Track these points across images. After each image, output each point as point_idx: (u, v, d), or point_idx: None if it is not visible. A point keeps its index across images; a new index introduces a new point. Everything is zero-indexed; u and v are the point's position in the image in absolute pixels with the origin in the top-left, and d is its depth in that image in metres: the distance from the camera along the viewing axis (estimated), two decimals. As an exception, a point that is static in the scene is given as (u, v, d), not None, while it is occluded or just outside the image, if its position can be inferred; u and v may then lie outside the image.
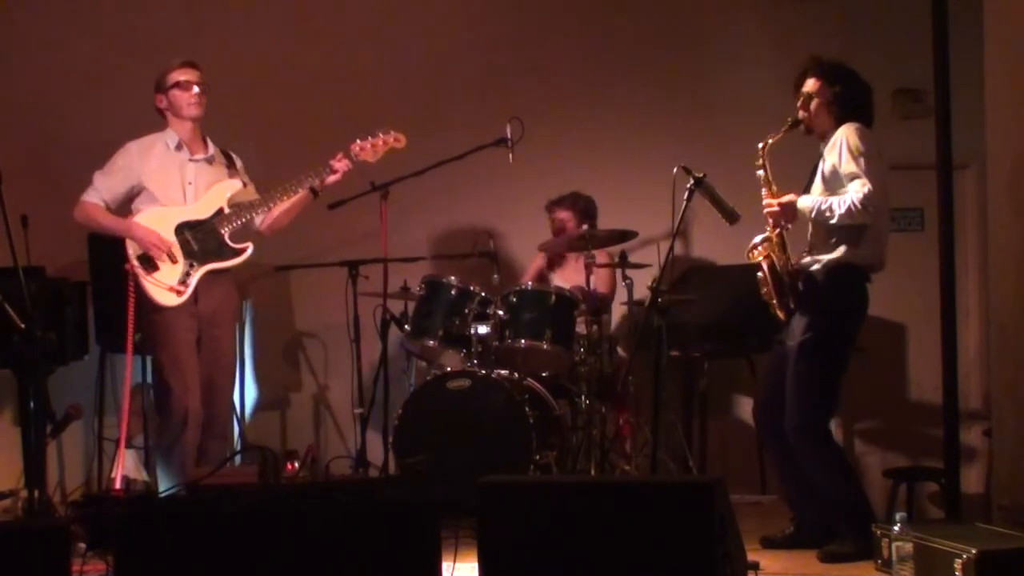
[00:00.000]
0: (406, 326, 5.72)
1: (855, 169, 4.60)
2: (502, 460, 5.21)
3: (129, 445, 5.80)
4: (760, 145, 4.77)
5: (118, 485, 5.20)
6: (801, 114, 4.80)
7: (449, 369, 5.63)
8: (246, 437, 6.24)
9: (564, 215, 6.21)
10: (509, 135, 5.49)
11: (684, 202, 4.87)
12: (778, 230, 4.73)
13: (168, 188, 5.14)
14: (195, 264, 5.09)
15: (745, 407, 6.72)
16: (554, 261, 6.37)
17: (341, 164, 5.21)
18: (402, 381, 6.02)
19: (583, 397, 5.64)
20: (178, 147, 5.18)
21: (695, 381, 6.52)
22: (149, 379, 5.32)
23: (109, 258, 5.23)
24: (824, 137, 4.79)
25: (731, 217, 4.92)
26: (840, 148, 4.64)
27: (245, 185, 5.29)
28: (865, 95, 4.81)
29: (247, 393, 6.53)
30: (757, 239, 4.75)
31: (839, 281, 4.71)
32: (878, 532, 4.38)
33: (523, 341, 5.60)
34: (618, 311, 6.40)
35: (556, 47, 6.83)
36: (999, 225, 5.14)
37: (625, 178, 6.61)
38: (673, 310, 5.59)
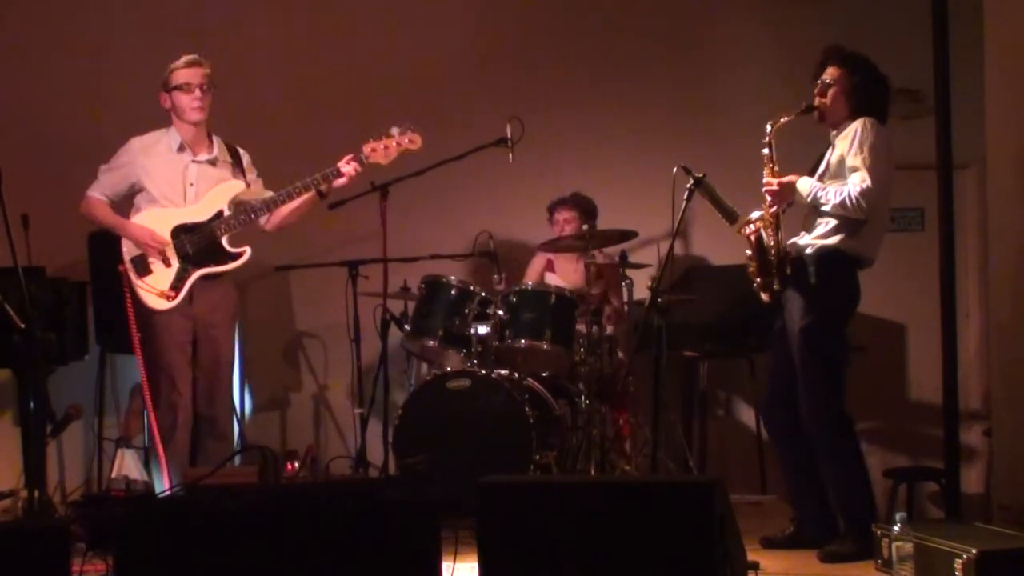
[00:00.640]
0: (406, 326, 5.72)
1: (859, 163, 4.61)
2: (502, 460, 5.21)
3: (129, 445, 5.81)
4: (770, 124, 4.76)
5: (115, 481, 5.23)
6: (817, 100, 4.80)
7: (449, 369, 5.63)
8: (246, 437, 6.24)
9: (567, 215, 6.21)
10: (509, 135, 5.48)
11: (684, 202, 4.87)
12: (774, 209, 4.73)
13: (168, 189, 5.13)
14: (189, 268, 5.07)
15: (745, 407, 6.73)
16: (555, 262, 6.37)
17: (349, 167, 5.12)
18: (402, 381, 6.02)
19: (583, 397, 5.64)
20: (180, 148, 5.16)
21: (695, 381, 6.52)
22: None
23: (109, 258, 5.23)
24: (837, 126, 4.79)
25: (731, 217, 4.92)
26: (852, 140, 4.65)
27: (249, 186, 5.26)
28: (883, 88, 4.81)
29: (247, 393, 6.53)
30: (752, 215, 4.76)
31: (829, 267, 4.71)
32: (878, 532, 4.38)
33: (523, 341, 5.60)
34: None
35: (556, 47, 6.83)
36: (999, 225, 5.15)
37: (625, 178, 6.61)
38: (673, 310, 5.59)
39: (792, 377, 4.76)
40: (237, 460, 5.30)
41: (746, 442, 6.60)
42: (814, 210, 4.73)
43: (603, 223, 6.17)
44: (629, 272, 5.79)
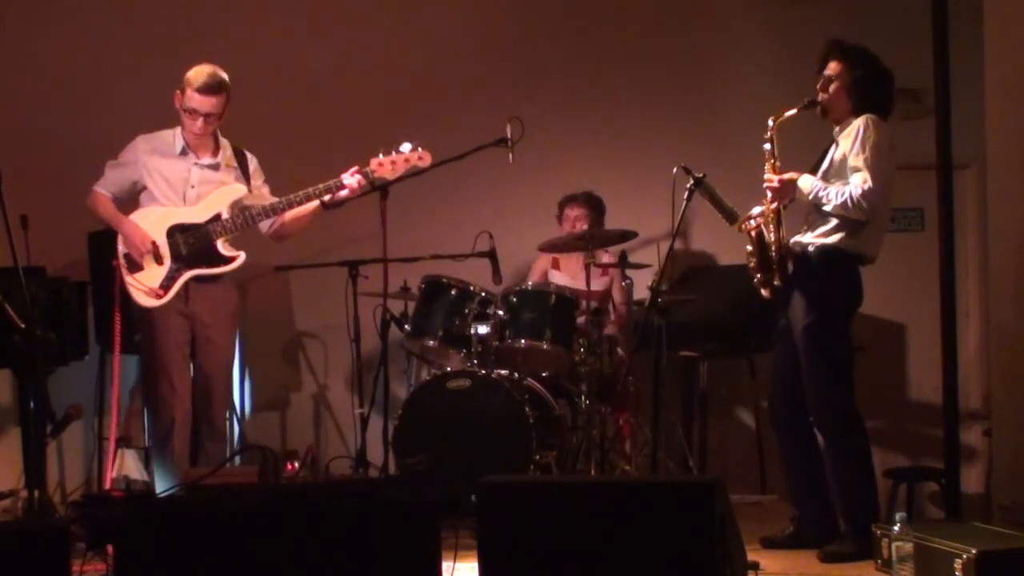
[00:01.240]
0: (406, 326, 5.72)
1: (861, 163, 4.61)
2: (502, 460, 5.21)
3: (129, 445, 5.80)
4: (772, 119, 4.76)
5: (109, 485, 5.22)
6: (820, 95, 4.79)
7: (449, 369, 5.63)
8: (246, 437, 6.24)
9: (578, 212, 6.20)
10: (509, 135, 5.48)
11: (684, 202, 4.88)
12: (775, 205, 4.73)
13: (170, 189, 5.13)
14: (181, 268, 5.07)
15: (745, 407, 6.73)
16: (560, 259, 6.35)
17: (353, 180, 5.11)
18: (402, 381, 6.02)
19: (583, 397, 5.64)
20: (183, 152, 5.16)
21: (695, 381, 6.51)
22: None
23: (109, 258, 5.23)
24: (840, 122, 4.79)
25: (731, 217, 4.92)
26: (855, 138, 4.64)
27: (251, 191, 5.25)
28: (886, 83, 4.81)
29: (247, 393, 6.53)
30: (754, 211, 4.75)
31: (831, 265, 4.71)
32: (878, 532, 4.38)
33: (523, 341, 5.60)
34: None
35: (556, 47, 6.83)
36: (999, 225, 5.15)
37: (625, 178, 6.61)
38: (673, 310, 5.59)
39: (797, 375, 4.76)
40: (237, 460, 5.31)
41: (746, 442, 6.60)
42: (816, 208, 4.73)
43: (604, 219, 6.17)
44: (629, 272, 5.80)
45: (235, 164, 5.26)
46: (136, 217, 5.13)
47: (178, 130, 5.20)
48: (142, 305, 5.05)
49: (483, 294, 5.70)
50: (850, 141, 4.67)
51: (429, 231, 6.44)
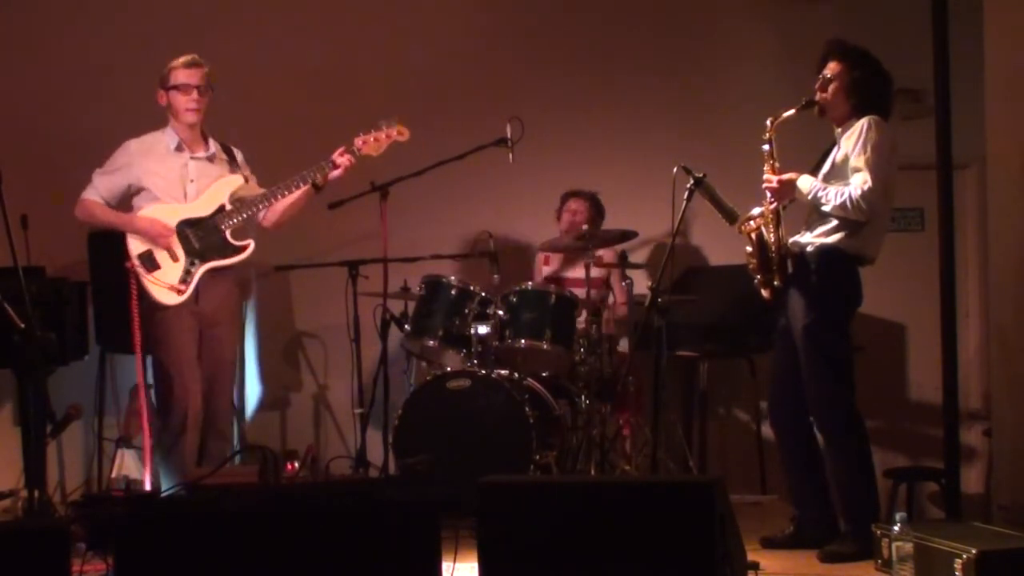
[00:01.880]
0: (406, 326, 5.72)
1: (861, 164, 4.61)
2: (502, 460, 5.21)
3: (129, 445, 5.81)
4: (770, 119, 4.76)
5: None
6: (818, 96, 4.79)
7: (449, 369, 5.63)
8: (246, 437, 6.24)
9: (578, 205, 6.20)
10: (509, 135, 5.49)
11: (684, 202, 4.87)
12: (774, 206, 4.73)
13: (169, 186, 5.13)
14: (196, 262, 5.07)
15: (745, 407, 6.73)
16: (551, 256, 6.35)
17: (343, 159, 5.17)
18: (402, 381, 6.02)
19: (583, 397, 5.64)
20: (178, 148, 5.17)
21: (695, 381, 6.52)
22: (149, 378, 5.30)
23: (109, 258, 5.23)
24: (840, 122, 4.78)
25: (731, 217, 4.92)
26: (857, 139, 4.64)
27: (247, 180, 5.28)
28: (885, 84, 4.80)
29: (247, 393, 6.53)
30: (753, 211, 4.76)
31: (831, 266, 4.71)
32: (878, 532, 4.38)
33: (523, 341, 5.60)
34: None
35: (556, 47, 6.83)
36: (999, 225, 5.15)
37: (625, 178, 6.60)
38: (673, 310, 5.59)
39: (797, 375, 4.76)
40: (237, 460, 5.31)
41: (746, 442, 6.60)
42: (815, 208, 4.73)
43: (603, 223, 6.17)
44: (629, 272, 5.80)
45: (225, 157, 5.27)
46: (142, 215, 5.12)
47: (167, 129, 5.19)
48: (163, 303, 5.03)
49: (483, 294, 5.70)
50: (852, 142, 4.66)
51: (429, 231, 6.44)
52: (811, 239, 4.76)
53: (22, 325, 4.43)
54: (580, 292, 5.72)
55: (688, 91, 6.85)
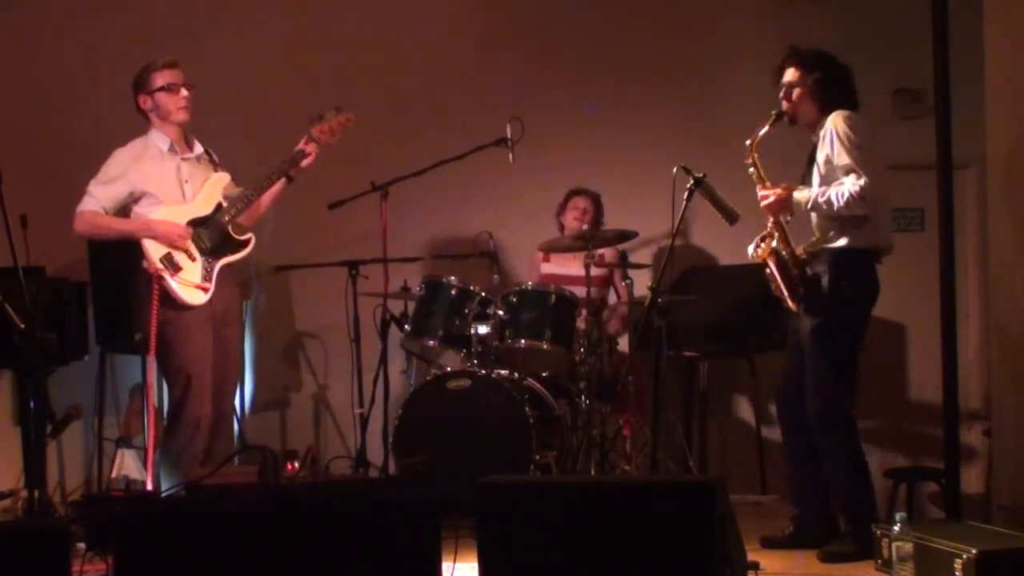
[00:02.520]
0: (406, 326, 5.72)
1: (849, 161, 4.61)
2: (502, 460, 5.21)
3: (129, 445, 5.81)
4: (748, 142, 4.78)
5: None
6: (784, 105, 4.80)
7: (449, 369, 5.63)
8: (246, 437, 6.24)
9: (584, 203, 6.20)
10: (509, 135, 5.49)
11: (684, 202, 4.87)
12: (778, 223, 4.73)
13: (168, 189, 5.12)
14: (211, 260, 5.08)
15: (745, 407, 6.73)
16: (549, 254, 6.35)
17: (311, 147, 5.22)
18: (402, 381, 6.02)
19: (583, 397, 5.64)
20: (171, 149, 5.15)
21: (695, 381, 6.51)
22: (148, 378, 5.28)
23: (109, 258, 5.23)
24: (812, 126, 4.79)
25: (731, 217, 4.92)
26: (831, 139, 4.65)
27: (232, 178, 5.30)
28: (845, 78, 4.80)
29: (247, 393, 6.53)
30: (759, 237, 4.75)
31: (848, 267, 4.71)
32: (878, 532, 4.38)
33: (523, 341, 5.60)
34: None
35: (556, 47, 6.82)
36: (999, 225, 5.15)
37: (625, 178, 6.60)
38: (673, 310, 5.60)
39: (804, 375, 4.77)
40: (237, 460, 5.30)
41: (746, 442, 6.60)
42: (818, 216, 4.74)
43: (603, 223, 6.18)
44: (629, 272, 5.80)
45: (207, 156, 5.28)
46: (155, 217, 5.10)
47: (153, 133, 5.15)
48: (190, 303, 4.99)
49: (483, 294, 5.70)
50: (828, 144, 4.67)
51: (429, 231, 6.45)
52: (824, 244, 4.75)
53: (22, 325, 4.43)
54: (581, 291, 5.72)
55: (688, 91, 6.85)
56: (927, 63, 5.11)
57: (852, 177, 4.59)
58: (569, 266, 6.11)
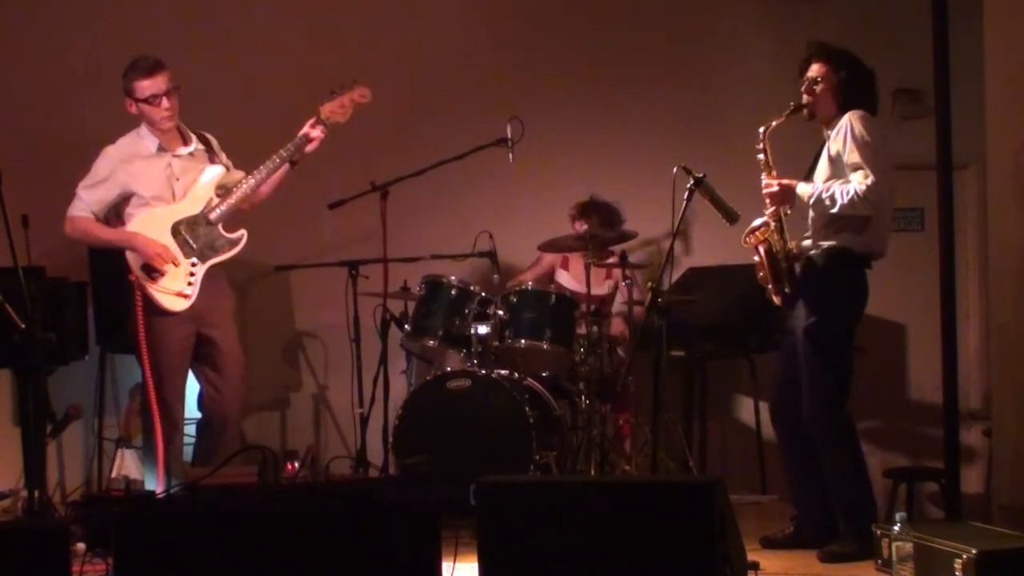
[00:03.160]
0: (406, 326, 5.72)
1: (859, 159, 4.60)
2: (502, 460, 5.21)
3: (129, 445, 5.81)
4: (761, 129, 4.78)
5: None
6: (805, 99, 4.79)
7: (449, 369, 5.63)
8: (246, 437, 6.23)
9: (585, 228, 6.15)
10: (509, 135, 5.49)
11: (684, 202, 4.87)
12: (776, 213, 4.73)
13: (157, 188, 5.10)
14: (197, 262, 5.07)
15: (745, 407, 6.73)
16: (569, 260, 6.32)
17: (316, 130, 5.17)
18: (402, 381, 6.02)
19: (583, 397, 5.64)
20: (160, 148, 5.14)
21: (695, 381, 6.51)
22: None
23: (109, 258, 5.22)
24: (828, 123, 4.79)
25: (731, 217, 4.91)
26: (845, 136, 4.64)
27: (228, 167, 5.26)
28: (869, 81, 4.80)
29: (247, 393, 6.52)
30: (755, 223, 4.76)
31: (839, 267, 4.71)
32: (878, 532, 4.38)
33: (523, 341, 5.60)
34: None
35: (556, 47, 6.82)
36: (999, 225, 5.15)
37: (625, 178, 6.60)
38: (673, 310, 5.59)
39: (799, 376, 4.76)
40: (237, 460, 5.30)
41: (746, 442, 6.60)
42: (819, 212, 4.73)
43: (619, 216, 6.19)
44: (629, 272, 5.80)
45: (203, 147, 5.25)
46: (136, 227, 5.08)
47: (142, 129, 5.15)
48: (171, 310, 5.01)
49: (483, 294, 5.70)
50: (841, 139, 4.66)
51: (429, 231, 6.44)
52: (818, 242, 4.75)
53: (22, 325, 4.43)
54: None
55: (688, 91, 6.85)
56: (927, 63, 5.11)
57: (859, 175, 4.59)
58: (583, 282, 6.08)
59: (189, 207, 5.11)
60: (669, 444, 5.89)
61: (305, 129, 5.19)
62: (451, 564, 3.71)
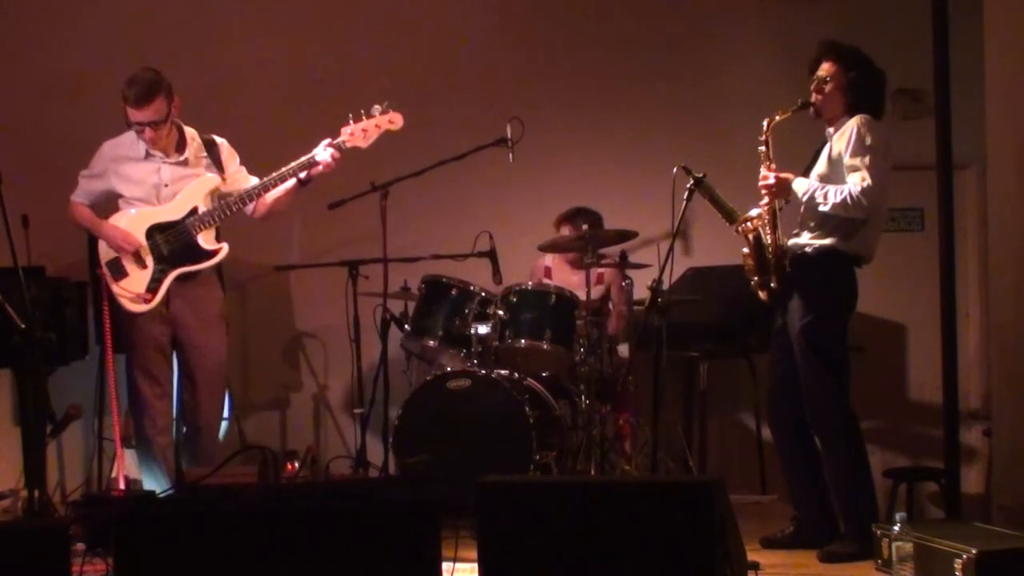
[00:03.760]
0: (406, 326, 5.72)
1: (858, 162, 4.61)
2: (502, 460, 5.21)
3: (129, 445, 5.80)
4: (766, 121, 4.78)
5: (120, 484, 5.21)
6: (814, 97, 4.79)
7: (449, 369, 5.63)
8: (246, 437, 6.23)
9: (572, 233, 6.15)
10: (509, 135, 5.49)
11: (684, 202, 4.87)
12: (771, 205, 4.74)
13: (142, 192, 5.11)
14: (166, 269, 5.06)
15: (745, 407, 6.73)
16: (552, 269, 6.34)
17: (326, 155, 5.07)
18: (402, 381, 6.02)
19: (583, 397, 5.64)
20: (150, 153, 5.13)
21: (695, 381, 6.51)
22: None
23: (96, 261, 5.24)
24: (832, 122, 4.79)
25: (731, 217, 4.92)
26: (850, 138, 4.64)
27: (225, 178, 5.20)
28: (879, 83, 4.81)
29: (247, 393, 6.53)
30: (750, 212, 4.76)
31: (829, 267, 4.72)
32: (878, 532, 4.39)
33: (523, 341, 5.60)
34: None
35: (556, 47, 6.83)
36: (999, 225, 5.15)
37: (625, 178, 6.61)
38: (673, 310, 5.59)
39: (795, 375, 4.76)
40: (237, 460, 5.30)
41: (746, 442, 6.60)
42: (811, 209, 4.73)
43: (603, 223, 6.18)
44: (629, 272, 5.80)
45: (204, 154, 5.20)
46: (113, 221, 5.14)
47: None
48: (131, 311, 5.06)
49: (483, 294, 5.70)
50: (844, 141, 4.67)
51: (429, 231, 6.44)
52: (808, 240, 4.76)
53: (22, 325, 4.43)
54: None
55: (688, 91, 6.85)
56: (927, 63, 5.11)
57: (857, 177, 4.59)
58: (570, 281, 6.10)
59: (170, 213, 5.10)
60: (669, 444, 5.89)
61: (316, 151, 5.11)
62: (451, 564, 3.71)
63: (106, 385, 5.58)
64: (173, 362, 5.24)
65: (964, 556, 3.84)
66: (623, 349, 6.18)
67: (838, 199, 4.59)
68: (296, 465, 4.26)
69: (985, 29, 5.20)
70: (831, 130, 4.79)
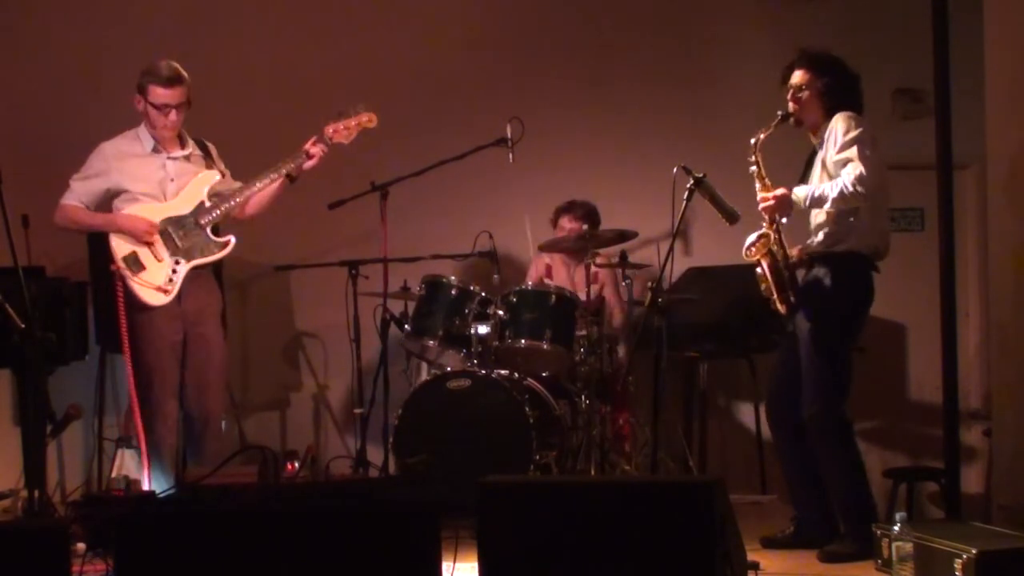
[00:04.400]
0: (406, 326, 5.72)
1: (847, 155, 4.62)
2: (502, 460, 5.21)
3: (129, 445, 5.80)
4: (752, 141, 4.79)
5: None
6: (791, 107, 4.81)
7: (449, 369, 5.63)
8: (246, 437, 6.24)
9: (573, 225, 6.15)
10: (509, 135, 5.50)
11: (684, 202, 4.87)
12: (774, 224, 4.74)
13: (148, 186, 5.14)
14: (181, 261, 5.09)
15: (745, 407, 6.73)
16: (552, 268, 6.35)
17: (316, 148, 5.20)
18: (402, 381, 6.02)
19: (583, 397, 5.64)
20: (155, 149, 5.17)
21: (695, 381, 6.51)
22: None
23: (109, 257, 5.23)
24: (815, 130, 4.80)
25: (731, 217, 4.92)
26: (834, 137, 4.66)
27: (224, 175, 5.29)
28: (853, 83, 4.82)
29: (247, 393, 6.53)
30: (752, 237, 4.76)
31: (843, 271, 4.72)
32: (878, 532, 4.39)
33: (523, 341, 5.60)
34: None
35: (556, 47, 6.83)
36: (999, 225, 5.15)
37: (625, 178, 6.61)
38: (673, 310, 5.59)
39: (798, 376, 4.77)
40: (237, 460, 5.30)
41: (746, 442, 6.60)
42: (820, 214, 4.74)
43: (603, 223, 6.18)
44: (629, 272, 5.80)
45: (200, 153, 5.29)
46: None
47: (141, 129, 5.20)
48: (150, 304, 5.05)
49: (483, 294, 5.70)
50: (831, 141, 4.68)
51: (429, 231, 6.44)
52: (824, 247, 4.75)
53: (22, 325, 4.43)
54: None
55: (688, 91, 6.85)
56: (927, 63, 5.11)
57: (849, 168, 4.60)
58: (569, 280, 6.10)
59: (179, 207, 5.14)
60: (669, 444, 5.89)
61: (306, 145, 5.22)
62: (451, 564, 3.71)
63: (124, 385, 5.58)
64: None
65: (964, 556, 3.85)
66: (622, 349, 6.19)
67: (835, 193, 4.60)
68: (296, 465, 4.26)
69: (985, 29, 5.20)
70: (815, 138, 4.80)
